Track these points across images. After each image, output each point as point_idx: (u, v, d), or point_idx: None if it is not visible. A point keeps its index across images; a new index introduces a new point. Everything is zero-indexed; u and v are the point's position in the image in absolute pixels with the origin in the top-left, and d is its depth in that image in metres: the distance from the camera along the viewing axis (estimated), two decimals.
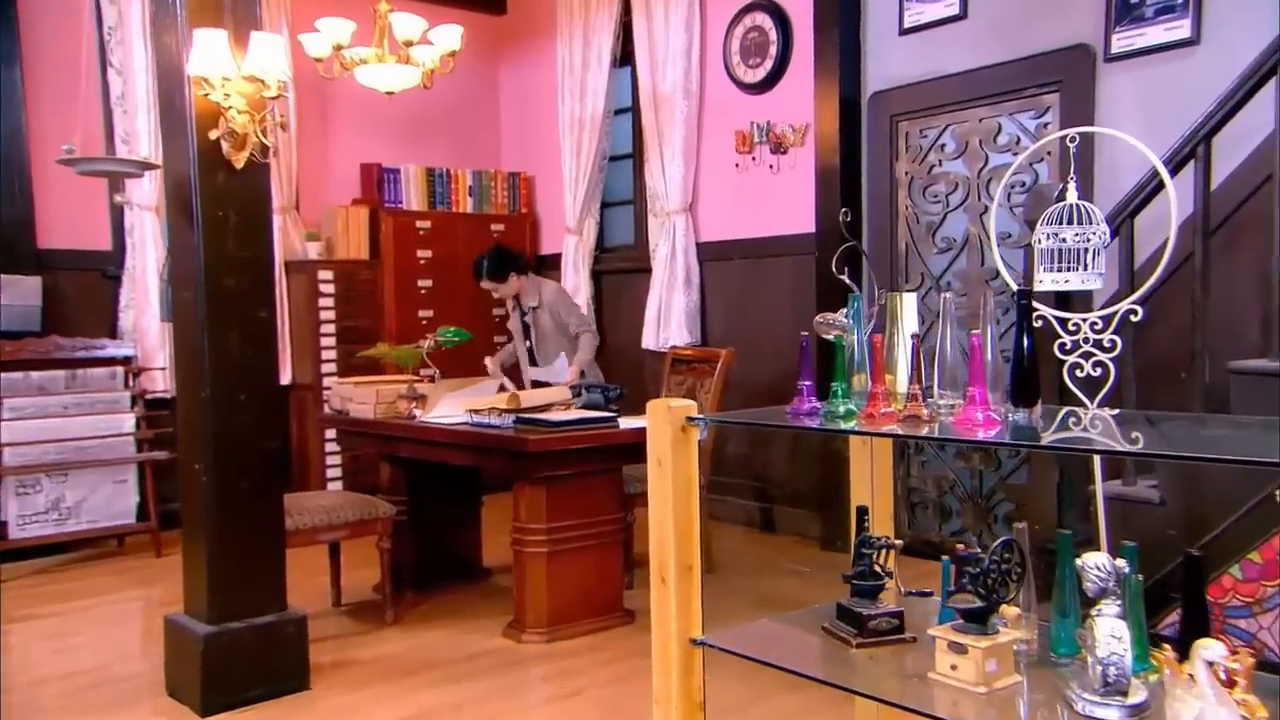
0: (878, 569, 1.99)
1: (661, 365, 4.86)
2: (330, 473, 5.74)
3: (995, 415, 1.75)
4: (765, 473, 5.28)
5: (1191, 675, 1.39)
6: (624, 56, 5.94)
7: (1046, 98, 4.09)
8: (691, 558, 2.02)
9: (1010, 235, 4.18)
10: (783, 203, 5.11)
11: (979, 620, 1.70)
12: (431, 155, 6.41)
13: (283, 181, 5.70)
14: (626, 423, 3.74)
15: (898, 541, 2.01)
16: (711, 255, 5.51)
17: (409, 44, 4.17)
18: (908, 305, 2.02)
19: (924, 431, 1.80)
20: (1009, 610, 1.74)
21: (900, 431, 1.80)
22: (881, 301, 2.19)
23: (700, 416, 2.02)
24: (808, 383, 2.05)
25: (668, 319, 5.54)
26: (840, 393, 1.97)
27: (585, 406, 4.01)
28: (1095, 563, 1.58)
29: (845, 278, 2.20)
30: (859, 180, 4.82)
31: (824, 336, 2.13)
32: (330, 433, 5.53)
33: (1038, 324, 2.12)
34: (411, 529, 4.24)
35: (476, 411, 3.78)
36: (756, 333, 5.23)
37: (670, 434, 2.00)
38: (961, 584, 1.73)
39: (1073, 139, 2.45)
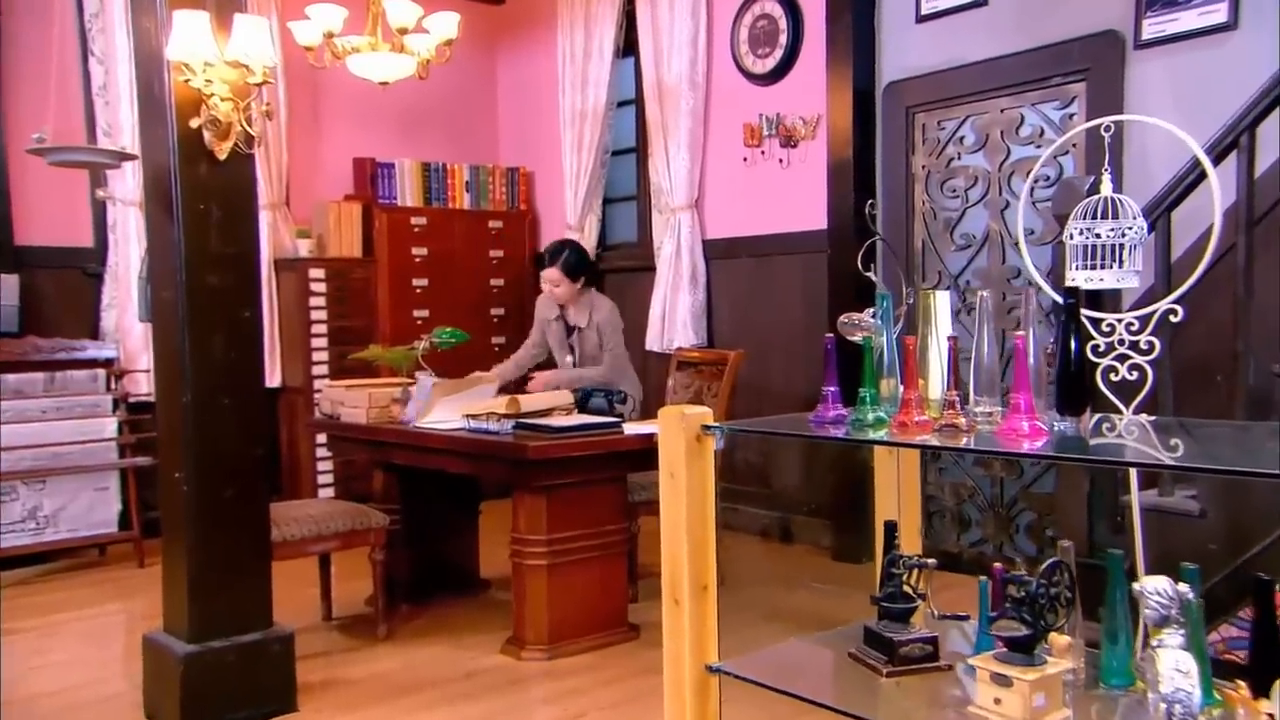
0: (908, 590, 1.88)
1: (666, 368, 4.75)
2: (322, 479, 5.63)
3: (1041, 425, 1.63)
4: (775, 480, 5.16)
5: (1272, 715, 1.28)
6: (627, 46, 5.84)
7: (1072, 87, 3.97)
8: (707, 577, 1.91)
9: (1033, 231, 4.07)
10: (793, 198, 5.01)
11: (1024, 649, 1.58)
12: (427, 149, 6.30)
13: (272, 176, 5.59)
14: (632, 428, 3.63)
15: (930, 561, 1.89)
16: (718, 253, 5.40)
17: (403, 32, 4.06)
18: (941, 304, 1.90)
19: (963, 442, 1.68)
20: (1058, 639, 1.62)
21: (936, 442, 1.68)
22: (911, 300, 2.08)
23: (717, 425, 1.90)
24: (833, 388, 1.93)
25: (673, 319, 5.43)
26: (869, 399, 1.85)
27: (588, 411, 3.90)
28: (1156, 588, 1.46)
29: (874, 275, 2.08)
30: (873, 175, 4.71)
31: (848, 338, 2.01)
32: (322, 438, 5.41)
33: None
34: (406, 539, 4.12)
35: (474, 416, 3.67)
36: (765, 334, 5.13)
37: (684, 444, 1.88)
38: (1005, 609, 1.61)
39: (1107, 128, 2.33)
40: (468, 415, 3.69)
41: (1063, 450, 1.61)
